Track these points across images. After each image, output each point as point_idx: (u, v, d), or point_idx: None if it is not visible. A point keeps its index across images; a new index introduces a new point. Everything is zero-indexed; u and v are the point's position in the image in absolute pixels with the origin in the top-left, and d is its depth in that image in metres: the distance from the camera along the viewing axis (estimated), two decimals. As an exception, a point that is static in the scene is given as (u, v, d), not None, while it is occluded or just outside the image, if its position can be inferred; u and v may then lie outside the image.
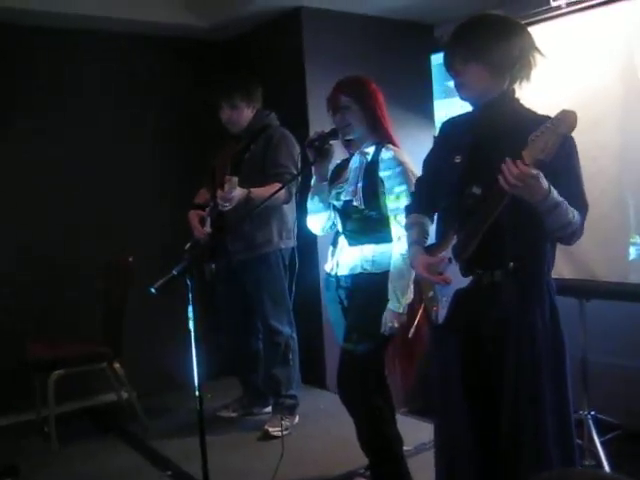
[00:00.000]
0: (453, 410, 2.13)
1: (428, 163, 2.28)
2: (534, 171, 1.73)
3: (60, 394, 3.55)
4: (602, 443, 3.23)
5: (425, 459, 2.91)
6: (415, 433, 3.29)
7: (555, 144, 1.70)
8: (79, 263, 4.12)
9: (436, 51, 4.33)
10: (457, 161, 2.04)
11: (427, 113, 4.39)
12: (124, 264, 3.73)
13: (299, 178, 3.38)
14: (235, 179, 3.19)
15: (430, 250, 2.15)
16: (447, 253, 2.04)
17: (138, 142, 4.43)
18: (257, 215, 3.42)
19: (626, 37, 3.17)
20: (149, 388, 4.07)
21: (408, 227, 2.28)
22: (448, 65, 2.06)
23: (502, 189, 1.79)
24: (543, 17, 3.45)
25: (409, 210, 2.32)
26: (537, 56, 2.03)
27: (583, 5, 3.32)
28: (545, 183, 1.78)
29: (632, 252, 3.21)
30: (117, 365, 3.67)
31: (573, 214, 1.89)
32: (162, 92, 4.54)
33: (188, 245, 2.54)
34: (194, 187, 3.85)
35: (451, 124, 2.23)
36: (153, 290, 2.22)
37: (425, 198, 2.25)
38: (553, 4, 3.42)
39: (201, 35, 4.57)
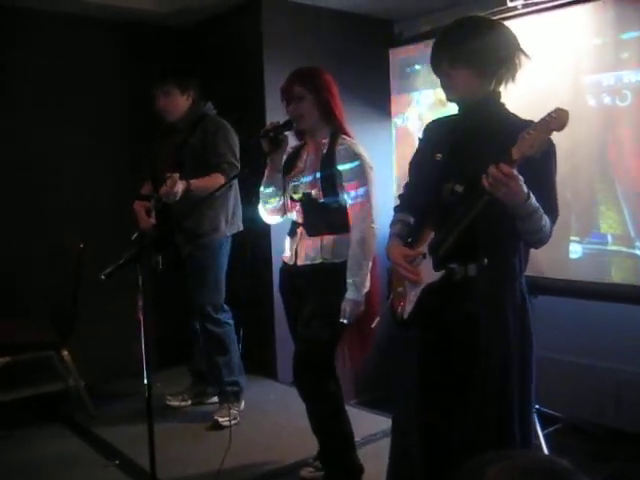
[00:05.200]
0: (408, 406, 2.16)
1: (412, 164, 2.28)
2: (517, 174, 1.76)
3: (4, 382, 3.47)
4: (545, 435, 3.32)
5: (373, 450, 2.96)
6: (364, 424, 3.33)
7: (544, 140, 1.73)
8: (29, 249, 4.03)
9: (394, 46, 4.36)
10: (437, 158, 2.06)
11: (384, 107, 4.42)
12: (75, 250, 3.66)
13: (238, 166, 3.39)
14: (176, 175, 3.19)
15: (408, 246, 2.16)
16: (423, 249, 2.06)
17: (88, 128, 4.31)
18: (197, 206, 3.41)
19: (576, 40, 3.25)
20: (98, 376, 4.01)
21: (393, 223, 2.27)
22: (435, 67, 2.08)
23: (484, 190, 1.81)
24: (499, 17, 3.49)
25: (397, 210, 2.32)
26: (522, 57, 2.05)
27: (539, 7, 3.38)
28: (525, 188, 1.80)
29: (572, 251, 3.37)
30: (65, 353, 3.60)
31: (546, 221, 1.92)
32: (116, 78, 4.44)
33: (135, 235, 2.52)
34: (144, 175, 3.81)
35: (435, 125, 2.25)
36: (103, 277, 2.21)
37: (412, 199, 2.25)
38: (510, 4, 3.49)
39: (158, 21, 4.50)
